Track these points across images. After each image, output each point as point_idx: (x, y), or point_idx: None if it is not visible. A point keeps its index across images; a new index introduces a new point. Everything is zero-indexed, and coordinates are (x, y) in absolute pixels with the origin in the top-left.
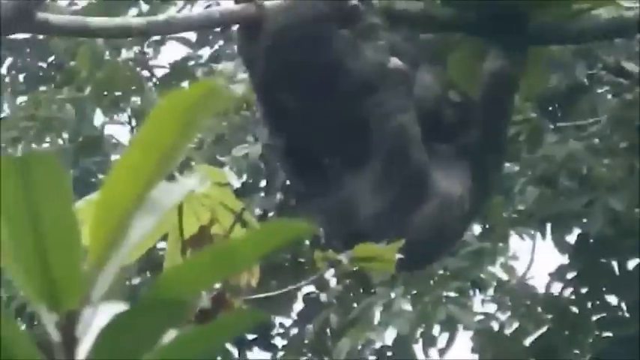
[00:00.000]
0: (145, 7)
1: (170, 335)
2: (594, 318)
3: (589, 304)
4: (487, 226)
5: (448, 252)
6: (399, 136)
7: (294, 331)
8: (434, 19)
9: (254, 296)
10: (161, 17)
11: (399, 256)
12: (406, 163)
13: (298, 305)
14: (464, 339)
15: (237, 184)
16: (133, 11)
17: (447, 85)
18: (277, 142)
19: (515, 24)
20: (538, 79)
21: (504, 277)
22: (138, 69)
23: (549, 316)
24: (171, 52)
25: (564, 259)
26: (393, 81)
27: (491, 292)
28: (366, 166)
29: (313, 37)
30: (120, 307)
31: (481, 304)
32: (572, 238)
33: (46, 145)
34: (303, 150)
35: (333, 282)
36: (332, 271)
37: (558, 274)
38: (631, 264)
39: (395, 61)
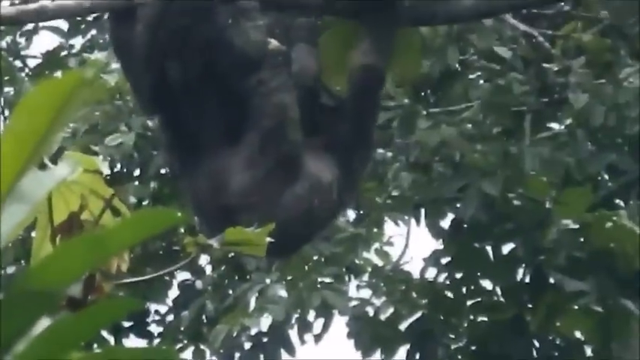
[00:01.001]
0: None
1: (43, 324)
2: (469, 303)
3: (464, 289)
4: (361, 212)
5: (316, 236)
6: (278, 115)
7: (170, 317)
8: (304, 4)
9: (126, 280)
10: (32, 6)
11: (269, 240)
12: (282, 141)
13: (174, 292)
14: (339, 324)
15: (107, 170)
16: (6, 3)
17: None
18: (157, 120)
19: (384, 5)
20: (410, 64)
21: (379, 262)
22: (10, 59)
23: (424, 301)
24: (44, 41)
25: (439, 245)
26: (275, 61)
27: (366, 277)
28: (241, 142)
29: (196, 11)
30: None
31: (356, 289)
32: (446, 224)
33: None
34: (181, 126)
35: (208, 269)
36: (207, 258)
37: (433, 260)
38: (505, 249)
39: (274, 43)
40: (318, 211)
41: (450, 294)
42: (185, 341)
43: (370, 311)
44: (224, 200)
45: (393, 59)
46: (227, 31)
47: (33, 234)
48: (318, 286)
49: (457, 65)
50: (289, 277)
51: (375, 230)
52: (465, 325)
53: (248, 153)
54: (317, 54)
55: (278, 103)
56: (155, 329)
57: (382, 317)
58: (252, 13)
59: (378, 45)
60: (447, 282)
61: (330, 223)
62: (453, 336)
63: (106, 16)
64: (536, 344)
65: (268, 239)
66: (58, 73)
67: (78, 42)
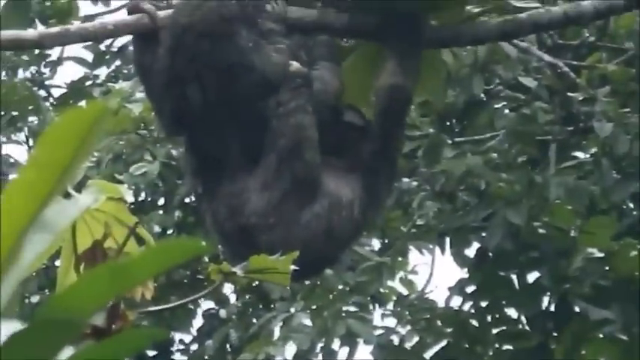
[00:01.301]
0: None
1: (66, 353)
2: (494, 331)
3: (489, 318)
4: (386, 241)
5: (338, 256)
6: (295, 135)
7: (195, 347)
8: (330, 27)
9: (151, 309)
10: (54, 29)
11: (293, 267)
12: (299, 162)
13: (198, 321)
14: (364, 353)
15: (131, 198)
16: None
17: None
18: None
19: (409, 27)
20: (435, 88)
21: (404, 291)
22: (35, 89)
23: (449, 330)
24: (69, 71)
25: (464, 273)
26: (294, 83)
27: (391, 306)
28: (260, 163)
29: (215, 34)
30: (15, 325)
31: (381, 318)
32: (471, 252)
33: None
34: (202, 148)
35: (232, 298)
36: (232, 287)
37: (458, 288)
38: (530, 277)
39: (296, 65)
40: (339, 229)
41: (475, 322)
42: None
43: (395, 340)
44: (243, 221)
45: (418, 84)
46: (247, 53)
47: (57, 263)
48: (343, 314)
49: (482, 95)
50: (314, 306)
51: (400, 259)
52: (490, 353)
53: (265, 174)
54: (341, 74)
55: (295, 124)
56: (179, 358)
57: (407, 346)
58: (275, 36)
59: (404, 66)
60: (472, 310)
61: (352, 242)
62: None
63: (130, 47)
64: None
65: (292, 267)
66: (83, 103)
67: (102, 72)
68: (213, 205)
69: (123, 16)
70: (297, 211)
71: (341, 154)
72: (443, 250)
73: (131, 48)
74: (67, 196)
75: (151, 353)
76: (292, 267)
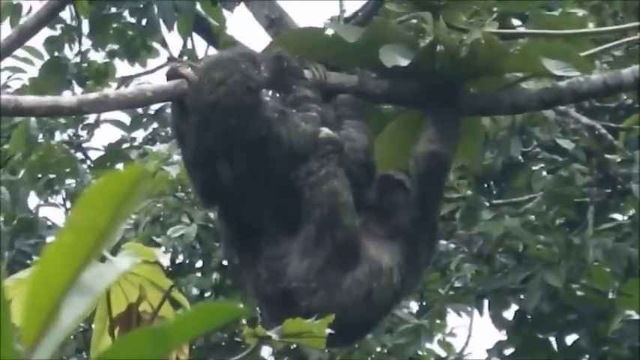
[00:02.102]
0: (78, 90)
1: None
2: None
3: None
4: (424, 303)
5: (377, 322)
6: (330, 202)
7: None
8: (370, 93)
9: None
10: (92, 95)
11: (329, 331)
12: (337, 227)
13: None
14: None
15: (166, 262)
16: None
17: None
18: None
19: (449, 95)
20: (475, 154)
21: (442, 353)
22: (72, 151)
23: None
24: (106, 134)
25: (502, 336)
26: (323, 150)
27: None
28: (298, 229)
29: (245, 109)
30: None
31: None
32: (509, 315)
33: None
34: (236, 217)
35: None
36: (270, 350)
37: (496, 350)
38: (569, 339)
39: (326, 131)
40: (378, 295)
41: None
42: None
43: None
44: (283, 285)
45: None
46: (274, 125)
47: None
48: None
49: (520, 157)
50: None
51: (438, 321)
52: None
53: (305, 242)
54: (369, 131)
55: (328, 191)
56: None
57: None
58: (309, 103)
59: (442, 133)
60: None
61: (391, 308)
62: None
63: (167, 109)
64: None
65: (328, 330)
66: (120, 166)
67: (139, 135)
68: (253, 271)
69: (161, 80)
70: (338, 276)
71: (380, 219)
72: (481, 312)
73: (168, 110)
74: (103, 259)
75: None
76: (329, 331)
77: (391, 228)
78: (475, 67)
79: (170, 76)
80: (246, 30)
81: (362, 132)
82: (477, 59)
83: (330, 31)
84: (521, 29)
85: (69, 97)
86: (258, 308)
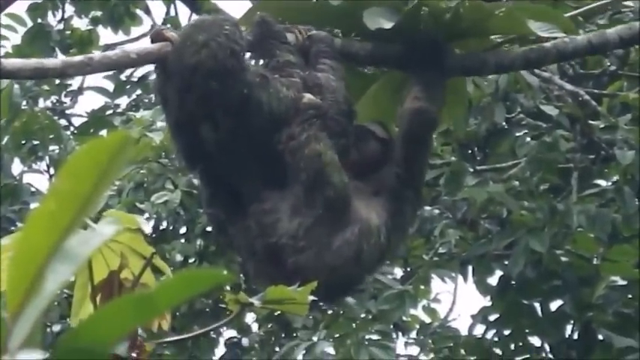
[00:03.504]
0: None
1: None
2: (518, 359)
3: (512, 346)
4: (409, 269)
5: (363, 280)
6: (314, 164)
7: None
8: (354, 55)
9: (173, 339)
10: (77, 58)
11: (311, 298)
12: (327, 186)
13: (220, 350)
14: None
15: (148, 229)
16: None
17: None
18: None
19: (433, 56)
20: (459, 115)
21: (427, 319)
22: (56, 118)
23: (472, 358)
24: (89, 101)
25: (486, 301)
26: (306, 115)
27: (414, 334)
28: (286, 188)
29: (228, 72)
30: (38, 355)
31: (404, 346)
32: (493, 280)
33: None
34: (220, 177)
35: (254, 327)
36: (254, 316)
37: (481, 316)
38: (553, 305)
39: (308, 96)
40: (367, 255)
41: (498, 351)
42: None
43: None
44: (273, 240)
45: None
46: (256, 89)
47: None
48: (366, 343)
49: (504, 123)
50: (337, 335)
51: (423, 287)
52: None
53: (295, 201)
54: (343, 72)
55: (311, 154)
56: None
57: None
58: (292, 68)
59: (428, 91)
60: (496, 339)
61: (378, 266)
62: None
63: (150, 76)
64: None
65: (311, 297)
66: (104, 132)
67: (123, 101)
68: (243, 225)
69: (146, 44)
70: (328, 236)
71: (366, 175)
72: (465, 278)
73: (152, 77)
74: (86, 226)
75: None
76: (310, 297)
77: (376, 183)
78: (460, 29)
79: (154, 39)
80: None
81: (339, 78)
82: (461, 21)
83: None
84: None
85: (53, 59)
86: (242, 265)
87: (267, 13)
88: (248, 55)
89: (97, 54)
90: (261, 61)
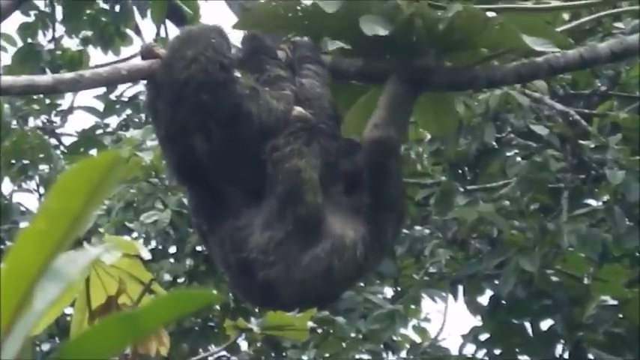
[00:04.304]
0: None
1: None
2: None
3: None
4: (399, 289)
5: (338, 296)
6: (292, 179)
7: None
8: (345, 72)
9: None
10: (68, 75)
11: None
12: (299, 203)
13: None
14: None
15: (147, 255)
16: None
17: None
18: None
19: (417, 69)
20: (449, 131)
21: (417, 339)
22: (46, 137)
23: None
24: (79, 120)
25: (477, 321)
26: (294, 127)
27: (404, 354)
28: (263, 201)
29: (217, 85)
30: None
31: None
32: (484, 300)
33: None
34: (207, 189)
35: (244, 345)
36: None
37: (471, 336)
38: (544, 325)
39: (299, 109)
40: (338, 270)
41: None
42: None
43: None
44: (244, 254)
45: (429, 122)
46: (246, 101)
47: (67, 311)
48: None
49: (494, 143)
50: (327, 354)
51: (413, 307)
52: None
53: (268, 215)
54: (328, 77)
55: (290, 168)
56: None
57: None
58: (283, 82)
59: (391, 115)
60: (486, 358)
61: (354, 282)
62: None
63: (140, 96)
64: None
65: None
66: (94, 152)
67: (113, 121)
68: (218, 238)
69: (136, 61)
70: (298, 251)
71: (355, 188)
72: (456, 297)
73: (142, 97)
74: (78, 245)
75: None
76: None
77: (357, 200)
78: (452, 41)
79: (145, 56)
80: (219, 18)
81: (324, 84)
82: (455, 33)
83: (307, 2)
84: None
85: (44, 76)
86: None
87: (259, 20)
88: (237, 71)
89: (87, 71)
90: (252, 76)
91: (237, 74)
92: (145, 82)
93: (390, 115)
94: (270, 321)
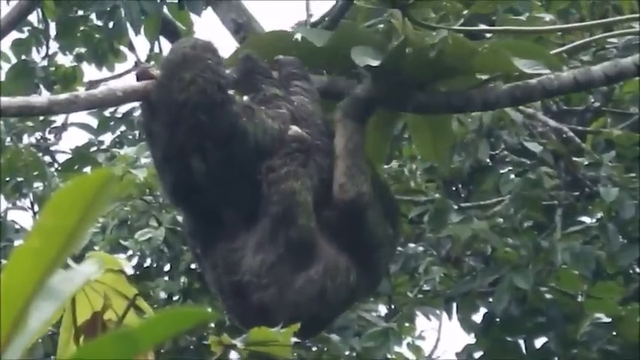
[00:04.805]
0: (46, 95)
1: None
2: None
3: None
4: (393, 307)
5: (329, 321)
6: (286, 201)
7: None
8: (341, 94)
9: None
10: (63, 95)
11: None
12: (292, 226)
13: None
14: None
15: (130, 270)
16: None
17: None
18: (180, 206)
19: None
20: (444, 154)
21: (411, 356)
22: (40, 154)
23: None
24: (73, 137)
25: (471, 339)
26: (290, 147)
27: None
28: (256, 225)
29: (215, 105)
30: None
31: None
32: (478, 318)
33: None
34: (203, 210)
35: None
36: (237, 354)
37: (465, 354)
38: (538, 342)
39: (295, 129)
40: (332, 293)
41: None
42: None
43: None
44: (237, 277)
45: (426, 144)
46: (241, 120)
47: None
48: None
49: (488, 160)
50: None
51: (407, 324)
52: None
53: (260, 237)
54: (316, 94)
55: (286, 189)
56: None
57: None
58: (279, 101)
59: (352, 167)
60: None
61: (347, 306)
62: None
63: (134, 113)
64: None
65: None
66: (88, 169)
67: (107, 138)
68: (212, 262)
69: (131, 81)
70: (291, 274)
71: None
72: (450, 315)
73: (136, 114)
74: (67, 265)
75: None
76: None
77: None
78: (444, 68)
79: (140, 77)
80: (213, 34)
81: (313, 100)
82: (445, 59)
83: (298, 36)
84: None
85: (40, 97)
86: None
87: (254, 51)
88: (232, 91)
89: (82, 92)
90: (246, 97)
91: (232, 94)
92: (140, 102)
93: (352, 167)
94: (254, 337)
